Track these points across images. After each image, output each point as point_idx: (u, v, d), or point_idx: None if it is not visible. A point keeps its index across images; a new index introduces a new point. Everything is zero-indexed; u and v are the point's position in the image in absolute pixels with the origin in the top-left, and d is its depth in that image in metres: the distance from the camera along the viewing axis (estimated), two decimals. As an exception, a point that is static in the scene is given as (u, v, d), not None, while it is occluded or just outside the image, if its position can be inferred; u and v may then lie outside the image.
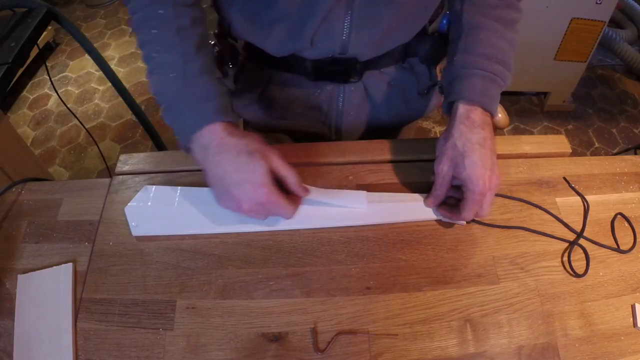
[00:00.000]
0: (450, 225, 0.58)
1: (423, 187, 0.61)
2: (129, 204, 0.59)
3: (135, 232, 0.57)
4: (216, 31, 0.75)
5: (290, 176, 0.51)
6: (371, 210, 0.58)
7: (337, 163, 0.65)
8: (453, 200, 0.58)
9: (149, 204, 0.59)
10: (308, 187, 0.55)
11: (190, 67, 0.50)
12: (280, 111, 0.74)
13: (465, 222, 0.58)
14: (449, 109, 0.57)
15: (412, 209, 0.59)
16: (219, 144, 0.48)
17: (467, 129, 0.53)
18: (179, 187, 0.60)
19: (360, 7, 0.56)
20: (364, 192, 0.60)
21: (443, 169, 0.54)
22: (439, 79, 0.74)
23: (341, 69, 0.66)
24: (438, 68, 0.75)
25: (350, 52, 0.63)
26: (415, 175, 0.63)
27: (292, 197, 0.52)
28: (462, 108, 0.54)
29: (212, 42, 0.75)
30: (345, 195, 0.60)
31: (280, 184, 0.51)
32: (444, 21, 0.67)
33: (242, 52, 0.73)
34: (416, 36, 0.68)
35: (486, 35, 0.56)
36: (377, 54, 0.66)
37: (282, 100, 0.73)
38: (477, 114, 0.54)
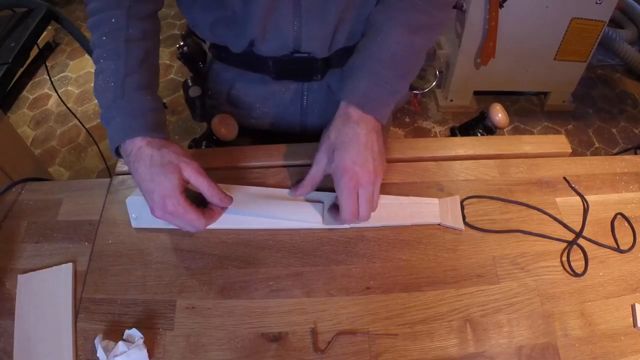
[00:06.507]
0: (450, 225, 0.58)
1: (419, 187, 0.61)
2: (130, 195, 0.59)
3: (135, 224, 0.57)
4: (183, 32, 0.78)
5: (203, 188, 0.51)
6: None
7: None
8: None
9: None
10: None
11: (129, 79, 0.52)
12: (247, 110, 0.75)
13: (348, 226, 0.57)
14: None
15: (417, 211, 0.58)
16: (137, 153, 0.50)
17: (341, 123, 0.54)
18: None
19: (306, 0, 0.57)
20: (321, 204, 0.58)
21: (318, 160, 0.55)
22: None
23: (303, 68, 0.68)
24: None
25: (304, 47, 0.63)
26: (416, 176, 0.63)
27: (208, 210, 0.53)
28: (342, 105, 0.55)
29: (181, 43, 0.77)
30: (302, 209, 0.58)
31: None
32: None
33: (208, 53, 0.75)
34: None
35: (383, 37, 0.56)
36: (331, 50, 0.66)
37: (248, 100, 0.74)
38: (355, 111, 0.54)
